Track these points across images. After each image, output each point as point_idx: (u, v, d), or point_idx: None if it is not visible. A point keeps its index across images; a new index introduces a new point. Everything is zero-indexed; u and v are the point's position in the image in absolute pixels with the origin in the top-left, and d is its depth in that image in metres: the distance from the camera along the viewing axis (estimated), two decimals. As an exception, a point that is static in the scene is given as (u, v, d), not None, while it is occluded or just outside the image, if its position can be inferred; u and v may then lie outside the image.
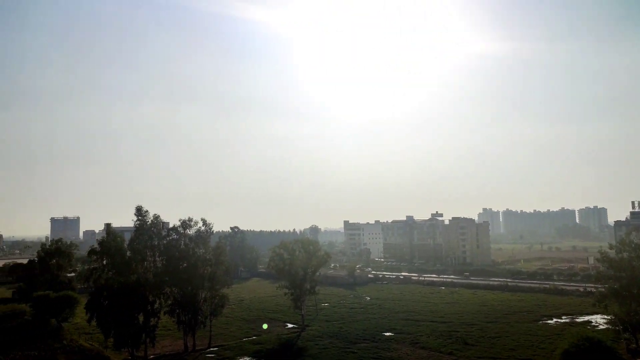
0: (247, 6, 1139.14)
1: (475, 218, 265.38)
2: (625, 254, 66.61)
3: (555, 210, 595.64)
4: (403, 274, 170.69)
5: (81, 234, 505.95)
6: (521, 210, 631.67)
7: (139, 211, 77.00)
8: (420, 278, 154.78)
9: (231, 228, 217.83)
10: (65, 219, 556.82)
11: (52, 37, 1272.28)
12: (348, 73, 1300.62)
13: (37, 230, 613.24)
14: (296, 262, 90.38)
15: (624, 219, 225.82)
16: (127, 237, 79.25)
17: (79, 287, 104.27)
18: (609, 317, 67.65)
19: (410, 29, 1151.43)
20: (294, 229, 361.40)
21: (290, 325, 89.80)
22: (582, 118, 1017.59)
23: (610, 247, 69.93)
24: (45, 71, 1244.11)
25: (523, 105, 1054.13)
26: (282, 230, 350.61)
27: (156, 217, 77.89)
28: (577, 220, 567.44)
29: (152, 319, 71.19)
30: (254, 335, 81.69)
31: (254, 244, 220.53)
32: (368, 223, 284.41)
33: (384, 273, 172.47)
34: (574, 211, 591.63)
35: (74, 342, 74.69)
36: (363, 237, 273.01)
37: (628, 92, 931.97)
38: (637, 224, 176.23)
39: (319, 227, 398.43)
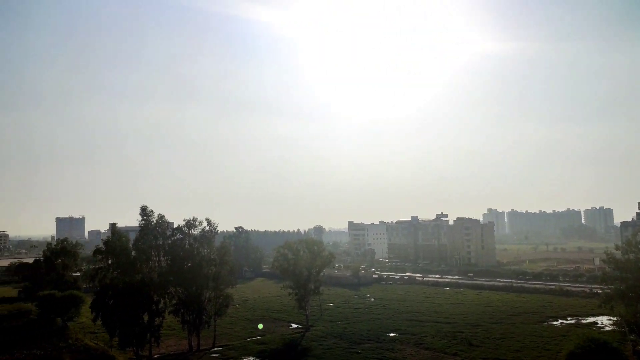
0: (250, 6, 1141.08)
1: (480, 218, 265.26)
2: (631, 255, 66.14)
3: (560, 211, 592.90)
4: (407, 274, 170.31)
5: (86, 234, 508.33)
6: (526, 211, 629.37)
7: (144, 211, 77.25)
8: (425, 278, 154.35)
9: (235, 228, 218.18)
10: (71, 218, 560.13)
11: (57, 38, 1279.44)
12: (351, 73, 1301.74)
13: (43, 229, 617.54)
14: (300, 262, 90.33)
15: (630, 220, 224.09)
16: (132, 236, 79.62)
17: (84, 286, 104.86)
18: (615, 319, 67.27)
19: (415, 29, 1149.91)
20: (298, 229, 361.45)
21: (294, 326, 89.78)
22: (588, 118, 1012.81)
23: (617, 248, 69.49)
24: (49, 72, 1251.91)
25: (528, 105, 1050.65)
26: (286, 230, 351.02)
27: (161, 217, 78.10)
28: (583, 221, 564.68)
29: (156, 319, 71.35)
30: (258, 335, 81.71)
31: (258, 244, 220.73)
32: (372, 223, 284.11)
33: (389, 273, 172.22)
34: (579, 212, 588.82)
35: (79, 342, 75.03)
36: (367, 238, 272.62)
37: (634, 92, 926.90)
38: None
39: (323, 228, 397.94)
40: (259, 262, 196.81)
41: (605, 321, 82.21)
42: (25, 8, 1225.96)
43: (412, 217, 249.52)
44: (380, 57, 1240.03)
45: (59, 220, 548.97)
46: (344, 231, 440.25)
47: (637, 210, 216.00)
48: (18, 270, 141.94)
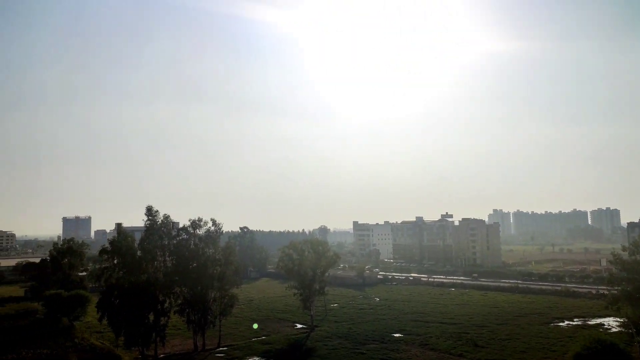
0: (255, 7, 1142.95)
1: (486, 219, 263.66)
2: (638, 256, 65.84)
3: (567, 212, 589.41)
4: (412, 275, 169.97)
5: (92, 234, 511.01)
6: (532, 212, 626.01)
7: (150, 211, 77.55)
8: (430, 279, 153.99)
9: (240, 228, 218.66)
10: (77, 218, 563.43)
11: (62, 38, 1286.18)
12: (355, 73, 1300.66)
13: (50, 229, 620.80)
14: (305, 263, 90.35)
15: (637, 221, 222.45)
16: (138, 236, 79.93)
17: (90, 286, 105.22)
18: (621, 320, 66.84)
19: (421, 30, 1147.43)
20: (303, 230, 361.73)
21: (299, 326, 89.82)
22: (595, 118, 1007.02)
23: (623, 249, 69.17)
24: (53, 71, 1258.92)
25: (534, 104, 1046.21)
26: (291, 230, 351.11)
27: (166, 217, 78.41)
28: (590, 222, 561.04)
29: (162, 318, 71.61)
30: (263, 336, 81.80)
31: (263, 244, 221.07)
32: (377, 224, 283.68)
33: (394, 274, 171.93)
34: (586, 212, 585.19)
35: (86, 341, 75.40)
36: (372, 238, 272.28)
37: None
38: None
39: (328, 228, 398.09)
40: (263, 263, 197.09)
41: (612, 322, 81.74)
42: (30, 8, 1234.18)
43: (417, 217, 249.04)
44: (383, 57, 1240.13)
45: (65, 220, 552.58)
46: (348, 231, 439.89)
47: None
48: (25, 270, 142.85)
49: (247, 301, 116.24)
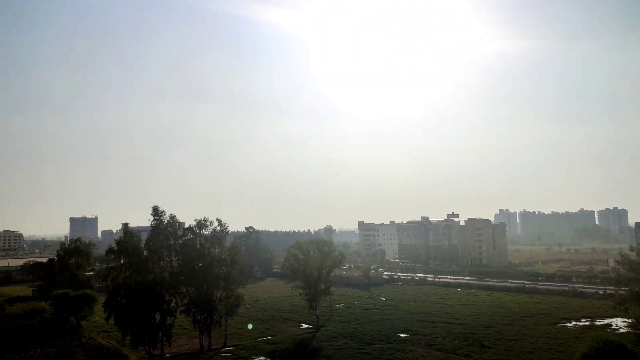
0: (260, 7, 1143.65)
1: (492, 219, 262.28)
2: (646, 256, 65.20)
3: (574, 212, 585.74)
4: (418, 275, 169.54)
5: (99, 234, 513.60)
6: (539, 212, 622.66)
7: (156, 211, 77.87)
8: (436, 279, 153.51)
9: (246, 228, 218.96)
10: (84, 218, 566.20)
11: (67, 39, 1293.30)
12: (360, 73, 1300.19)
13: (57, 229, 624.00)
14: (311, 263, 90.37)
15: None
16: (144, 236, 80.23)
17: (97, 285, 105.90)
18: (629, 321, 66.24)
19: (430, 30, 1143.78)
20: (309, 230, 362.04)
21: (305, 326, 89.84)
22: (601, 117, 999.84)
23: (631, 249, 68.57)
24: (58, 72, 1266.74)
25: (540, 104, 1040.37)
26: (296, 230, 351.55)
27: (172, 217, 78.68)
28: (597, 222, 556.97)
29: (168, 318, 71.87)
30: (269, 335, 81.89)
31: (269, 244, 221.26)
32: (383, 224, 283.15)
33: (399, 274, 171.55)
34: (593, 212, 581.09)
35: (92, 340, 75.80)
36: (378, 238, 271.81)
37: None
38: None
39: (334, 228, 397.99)
40: (269, 262, 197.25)
41: (619, 323, 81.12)
42: (35, 8, 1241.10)
43: (422, 217, 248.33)
44: (387, 57, 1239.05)
45: (72, 220, 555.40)
46: (354, 231, 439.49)
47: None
48: (32, 270, 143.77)
49: (253, 301, 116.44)
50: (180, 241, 78.81)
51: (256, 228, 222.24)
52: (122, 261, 75.12)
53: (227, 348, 73.91)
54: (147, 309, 69.42)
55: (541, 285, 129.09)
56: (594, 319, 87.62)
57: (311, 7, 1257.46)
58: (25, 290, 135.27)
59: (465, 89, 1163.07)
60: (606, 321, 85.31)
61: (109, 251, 76.82)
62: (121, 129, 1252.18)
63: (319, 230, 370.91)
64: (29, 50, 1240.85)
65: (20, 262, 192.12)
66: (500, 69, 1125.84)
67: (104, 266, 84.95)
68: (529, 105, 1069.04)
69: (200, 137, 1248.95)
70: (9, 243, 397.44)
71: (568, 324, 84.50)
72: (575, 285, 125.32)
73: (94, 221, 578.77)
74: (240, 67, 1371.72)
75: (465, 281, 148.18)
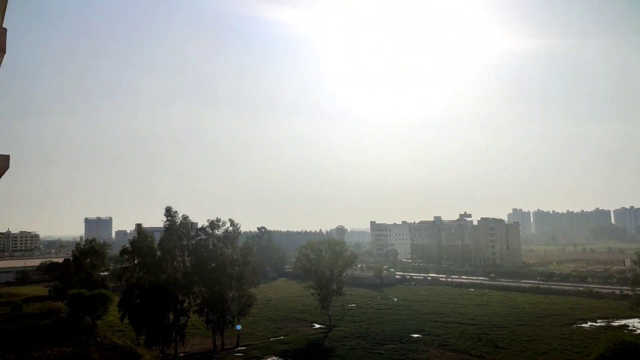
0: (270, 7, 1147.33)
1: (505, 219, 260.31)
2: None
3: (589, 211, 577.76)
4: (431, 275, 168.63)
5: (113, 234, 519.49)
6: (553, 211, 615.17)
7: (169, 212, 78.47)
8: (449, 279, 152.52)
9: (258, 228, 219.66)
10: (99, 219, 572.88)
11: (77, 40, 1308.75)
12: (371, 73, 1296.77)
13: (72, 230, 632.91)
14: (323, 263, 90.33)
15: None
16: (157, 237, 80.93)
17: (111, 285, 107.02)
18: (647, 321, 65.21)
19: (442, 29, 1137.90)
20: (320, 230, 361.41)
21: (317, 326, 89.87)
22: (617, 115, 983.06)
23: (648, 249, 67.40)
24: (71, 74, 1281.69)
25: (553, 103, 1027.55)
26: (308, 230, 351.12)
27: (185, 217, 79.20)
28: (613, 221, 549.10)
29: (181, 318, 72.40)
30: (282, 335, 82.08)
31: (281, 244, 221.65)
32: (395, 224, 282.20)
33: (412, 274, 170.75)
34: (609, 211, 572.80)
35: (107, 340, 76.68)
36: (390, 238, 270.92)
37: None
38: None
39: (346, 228, 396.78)
40: (281, 263, 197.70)
41: (636, 324, 79.97)
42: (44, 9, 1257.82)
43: (435, 217, 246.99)
44: (401, 58, 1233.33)
45: (87, 221, 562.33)
46: (366, 232, 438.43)
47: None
48: (48, 270, 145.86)
49: (265, 301, 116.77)
50: (193, 241, 79.31)
51: (268, 228, 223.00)
52: (136, 261, 75.84)
53: (239, 348, 74.21)
54: (161, 308, 70.01)
55: (556, 286, 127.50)
56: (610, 320, 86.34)
57: (322, 7, 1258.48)
58: (41, 290, 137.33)
59: (477, 89, 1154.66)
60: (623, 322, 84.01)
61: (123, 251, 77.64)
62: (134, 131, 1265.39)
63: (330, 230, 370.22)
64: (39, 52, 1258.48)
65: (36, 262, 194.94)
66: (512, 68, 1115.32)
67: (119, 266, 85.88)
68: (541, 103, 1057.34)
69: (212, 138, 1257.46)
70: (26, 243, 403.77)
71: (584, 325, 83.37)
72: (590, 286, 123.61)
73: (108, 222, 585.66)
74: (250, 68, 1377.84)
75: (479, 281, 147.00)
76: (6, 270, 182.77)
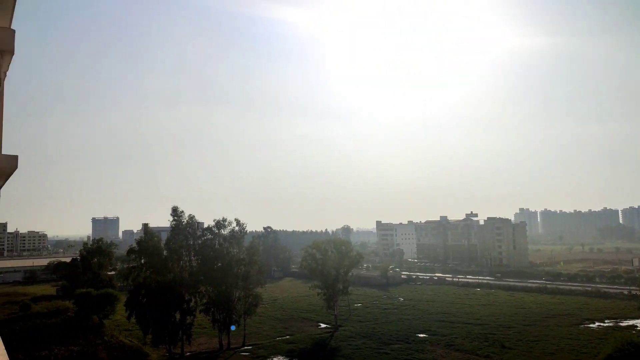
0: (275, 6, 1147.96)
1: (512, 218, 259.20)
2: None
3: (597, 210, 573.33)
4: (437, 274, 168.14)
5: (120, 234, 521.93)
6: (560, 210, 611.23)
7: (175, 212, 78.85)
8: (455, 279, 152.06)
9: (264, 228, 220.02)
10: (106, 219, 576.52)
11: (81, 40, 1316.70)
12: (375, 72, 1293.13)
13: (80, 230, 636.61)
14: (328, 262, 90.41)
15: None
16: (164, 236, 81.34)
17: (118, 285, 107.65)
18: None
19: (445, 29, 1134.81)
20: (326, 229, 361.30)
21: (323, 325, 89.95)
22: (625, 114, 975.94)
23: (657, 249, 66.90)
24: (75, 74, 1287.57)
25: (563, 102, 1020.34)
26: (314, 230, 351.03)
27: (191, 217, 79.58)
28: (621, 221, 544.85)
29: (188, 317, 72.76)
30: (288, 335, 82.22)
31: (287, 244, 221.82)
32: (401, 223, 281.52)
33: (418, 274, 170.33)
34: (617, 211, 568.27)
35: (115, 338, 77.14)
36: (396, 238, 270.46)
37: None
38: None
39: (351, 228, 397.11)
40: (287, 262, 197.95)
41: (645, 324, 79.29)
42: (48, 9, 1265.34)
43: (441, 217, 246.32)
44: (405, 57, 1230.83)
45: (94, 221, 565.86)
46: (372, 231, 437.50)
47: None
48: (56, 269, 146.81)
49: (271, 300, 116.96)
50: (199, 241, 79.69)
51: (274, 228, 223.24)
52: (142, 261, 76.28)
53: (246, 347, 74.44)
54: (168, 308, 70.41)
55: (563, 286, 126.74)
56: (618, 320, 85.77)
57: (323, 7, 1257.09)
58: (49, 289, 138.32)
59: (482, 88, 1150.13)
60: (631, 322, 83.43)
61: (130, 251, 78.12)
62: (140, 131, 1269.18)
63: (336, 230, 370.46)
64: (47, 53, 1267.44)
65: (44, 261, 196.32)
66: (516, 67, 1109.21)
67: (125, 266, 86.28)
68: (547, 102, 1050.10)
69: (217, 138, 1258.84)
70: (34, 243, 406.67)
71: (591, 325, 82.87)
72: (598, 286, 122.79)
73: (115, 222, 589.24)
74: (255, 68, 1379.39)
75: (485, 281, 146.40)
76: (14, 270, 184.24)
